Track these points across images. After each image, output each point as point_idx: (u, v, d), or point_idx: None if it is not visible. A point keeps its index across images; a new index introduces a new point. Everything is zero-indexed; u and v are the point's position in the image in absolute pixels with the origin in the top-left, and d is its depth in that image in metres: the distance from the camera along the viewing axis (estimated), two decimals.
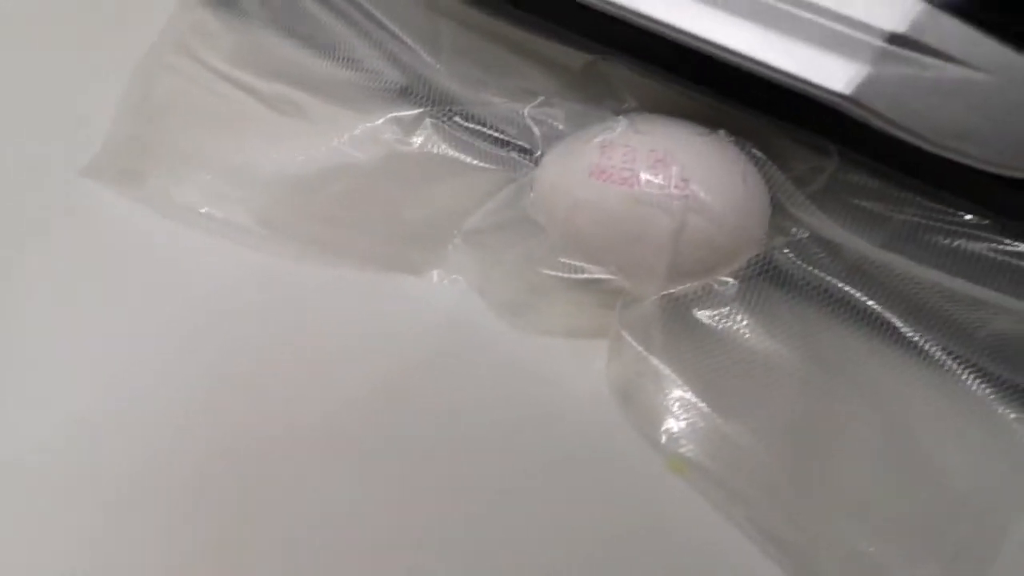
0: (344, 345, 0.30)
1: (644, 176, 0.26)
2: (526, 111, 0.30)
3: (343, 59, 0.32)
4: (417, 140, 0.30)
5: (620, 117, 0.27)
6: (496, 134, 0.30)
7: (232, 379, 0.30)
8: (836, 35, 0.23)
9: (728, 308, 0.26)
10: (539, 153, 0.29)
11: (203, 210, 0.31)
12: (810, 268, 0.27)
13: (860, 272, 0.27)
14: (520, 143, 0.30)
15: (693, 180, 0.25)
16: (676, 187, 0.25)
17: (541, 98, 0.30)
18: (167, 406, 0.29)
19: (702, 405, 0.26)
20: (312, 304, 0.31)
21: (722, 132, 0.27)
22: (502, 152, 0.30)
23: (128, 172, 0.32)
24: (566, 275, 0.28)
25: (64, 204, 0.33)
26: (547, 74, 0.31)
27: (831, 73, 0.23)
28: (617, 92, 0.30)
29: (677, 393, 0.26)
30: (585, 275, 0.28)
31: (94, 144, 0.32)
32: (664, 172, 0.25)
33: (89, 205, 0.32)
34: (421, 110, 0.30)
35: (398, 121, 0.30)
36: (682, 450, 0.26)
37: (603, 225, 0.26)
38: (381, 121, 0.30)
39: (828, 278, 0.27)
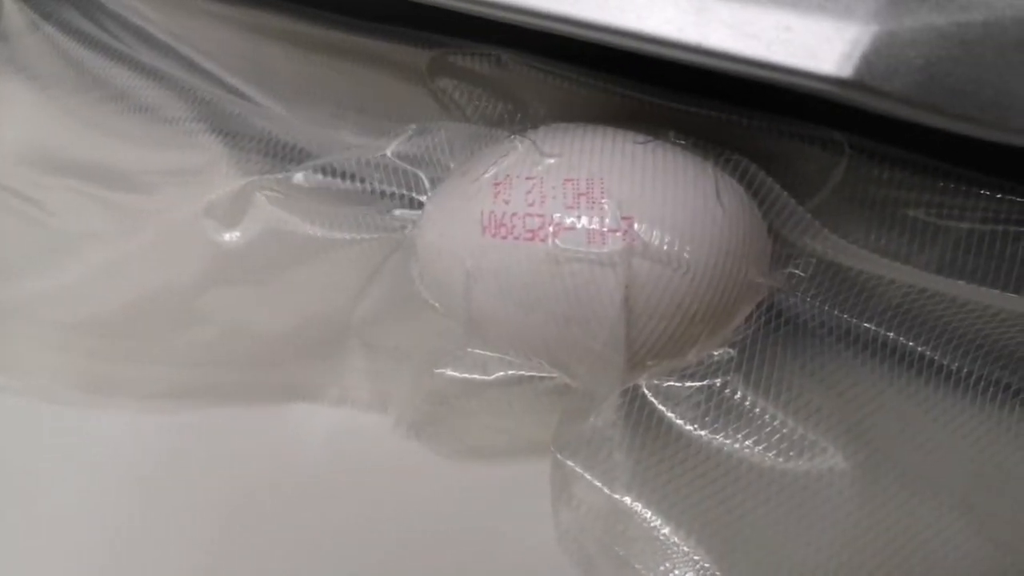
0: (234, 496, 0.21)
1: (561, 220, 0.17)
2: (390, 149, 0.21)
3: (151, 127, 0.23)
4: (250, 225, 0.21)
5: (514, 136, 0.19)
6: (362, 187, 0.21)
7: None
8: None
9: (724, 396, 0.17)
10: (427, 197, 0.21)
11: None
12: (837, 313, 0.18)
13: (905, 309, 0.18)
14: (398, 190, 0.21)
15: (637, 215, 0.16)
16: (612, 229, 0.16)
17: (412, 126, 0.21)
18: None
19: (712, 566, 0.16)
20: (187, 461, 0.22)
21: (671, 135, 0.18)
22: (373, 211, 0.21)
23: None
24: (477, 376, 0.19)
25: None
26: (414, 91, 0.22)
27: (814, 48, 0.14)
28: (516, 98, 0.21)
29: (669, 552, 0.16)
30: (504, 373, 0.19)
31: None
32: (591, 210, 0.17)
33: None
34: (244, 181, 0.21)
35: (212, 206, 0.21)
36: None
37: (518, 304, 0.17)
38: (196, 209, 0.21)
39: (865, 325, 0.18)
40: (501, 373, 0.18)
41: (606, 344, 0.17)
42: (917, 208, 0.17)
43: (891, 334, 0.17)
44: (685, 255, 0.16)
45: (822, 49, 0.14)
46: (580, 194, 0.17)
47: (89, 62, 0.25)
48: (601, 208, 0.17)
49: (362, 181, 0.21)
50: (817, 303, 0.18)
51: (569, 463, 0.17)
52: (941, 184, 0.17)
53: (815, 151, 0.18)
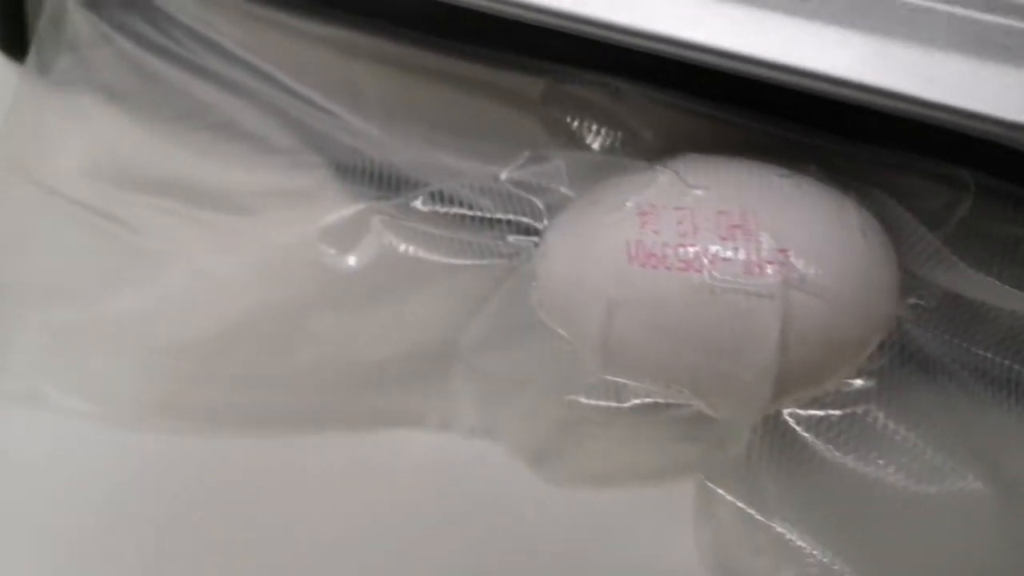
0: (340, 530, 0.21)
1: (717, 251, 0.17)
2: (504, 175, 0.21)
3: (232, 144, 0.23)
4: (366, 250, 0.21)
5: (656, 165, 0.19)
6: (474, 213, 0.21)
7: None
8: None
9: (865, 424, 0.18)
10: (542, 226, 0.21)
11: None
12: (961, 343, 0.19)
13: None
14: (513, 217, 0.21)
15: (793, 248, 0.17)
16: (769, 261, 0.17)
17: (525, 153, 0.21)
18: None
19: None
20: (283, 488, 0.22)
21: (813, 169, 0.18)
22: (487, 238, 0.21)
23: None
24: (612, 404, 0.19)
25: None
26: (522, 116, 0.22)
27: (993, 91, 0.15)
28: (627, 125, 0.21)
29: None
30: (640, 401, 0.19)
31: None
32: (747, 242, 0.17)
33: None
34: (362, 206, 0.21)
35: (330, 230, 0.20)
36: None
37: (665, 333, 0.17)
38: (308, 232, 0.20)
39: (988, 355, 0.18)
40: (636, 401, 0.19)
41: (757, 375, 0.17)
42: None
43: (1016, 366, 0.18)
44: (835, 286, 0.17)
45: (1006, 95, 0.14)
46: (734, 226, 0.17)
47: (166, 76, 0.24)
48: (757, 240, 0.17)
49: (471, 207, 0.21)
50: (940, 333, 0.19)
51: (717, 489, 0.18)
52: None
53: (940, 187, 0.19)
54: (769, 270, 0.17)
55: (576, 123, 0.21)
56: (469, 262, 0.21)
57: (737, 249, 0.17)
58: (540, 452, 0.20)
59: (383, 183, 0.22)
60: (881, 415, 0.18)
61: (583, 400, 0.19)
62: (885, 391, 0.18)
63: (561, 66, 0.21)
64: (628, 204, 0.18)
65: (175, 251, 0.22)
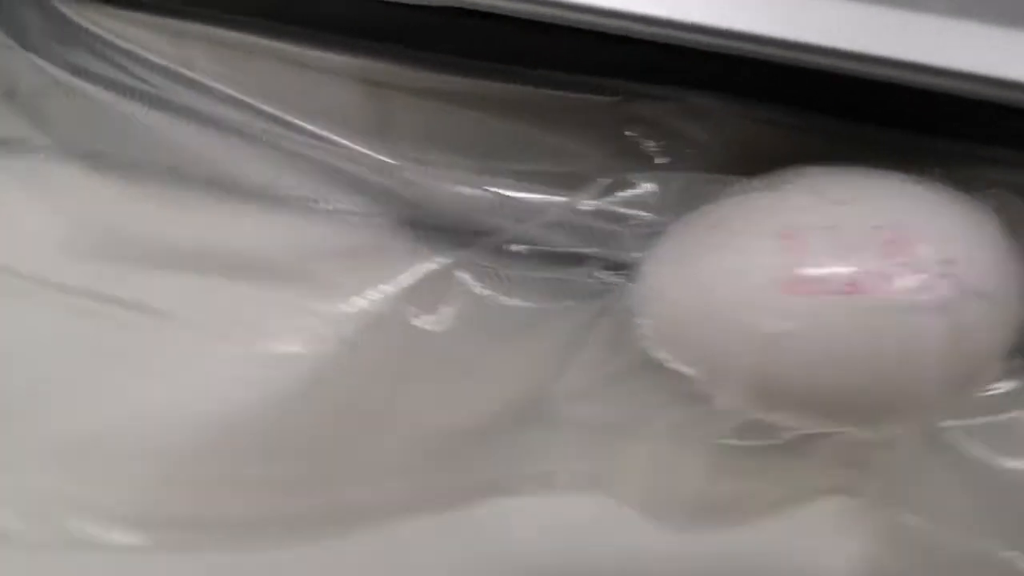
0: None
1: (881, 270, 0.16)
2: (584, 205, 0.19)
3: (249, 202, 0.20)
4: (448, 309, 0.18)
5: (773, 182, 0.18)
6: (558, 250, 0.19)
7: None
8: None
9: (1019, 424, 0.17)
10: (634, 258, 0.19)
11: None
12: None
13: None
14: (591, 251, 0.19)
15: (958, 257, 0.16)
16: (940, 274, 0.16)
17: (605, 180, 0.19)
18: None
19: None
20: None
21: (938, 172, 0.18)
22: (574, 275, 0.19)
23: None
24: (768, 442, 0.18)
25: None
26: (582, 140, 0.20)
27: None
28: (697, 142, 0.20)
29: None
30: (798, 432, 0.18)
31: None
32: (909, 256, 0.16)
33: None
34: (443, 260, 0.18)
35: (411, 291, 0.18)
36: None
37: (830, 362, 0.16)
38: (389, 294, 0.18)
39: None
40: (792, 435, 0.17)
41: (926, 391, 0.16)
42: None
43: None
44: (998, 291, 0.16)
45: None
46: (889, 241, 0.16)
47: (143, 121, 0.20)
48: (915, 254, 0.16)
49: (552, 246, 0.19)
50: None
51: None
52: None
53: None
54: (941, 283, 0.16)
55: (649, 143, 0.20)
56: (560, 305, 0.19)
57: (903, 264, 0.16)
58: (664, 497, 0.19)
59: (448, 232, 0.19)
60: None
61: (735, 442, 0.17)
62: None
63: (628, 83, 0.20)
64: (767, 226, 0.17)
65: (211, 332, 0.18)
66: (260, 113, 0.21)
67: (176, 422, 0.18)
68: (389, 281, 0.18)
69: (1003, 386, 0.18)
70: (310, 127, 0.20)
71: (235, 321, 0.18)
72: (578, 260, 0.19)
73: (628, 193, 0.19)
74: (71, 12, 0.21)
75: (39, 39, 0.21)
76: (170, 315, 0.18)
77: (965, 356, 0.16)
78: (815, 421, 0.17)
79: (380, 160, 0.20)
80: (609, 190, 0.19)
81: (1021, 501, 0.17)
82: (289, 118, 0.21)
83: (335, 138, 0.21)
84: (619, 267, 0.19)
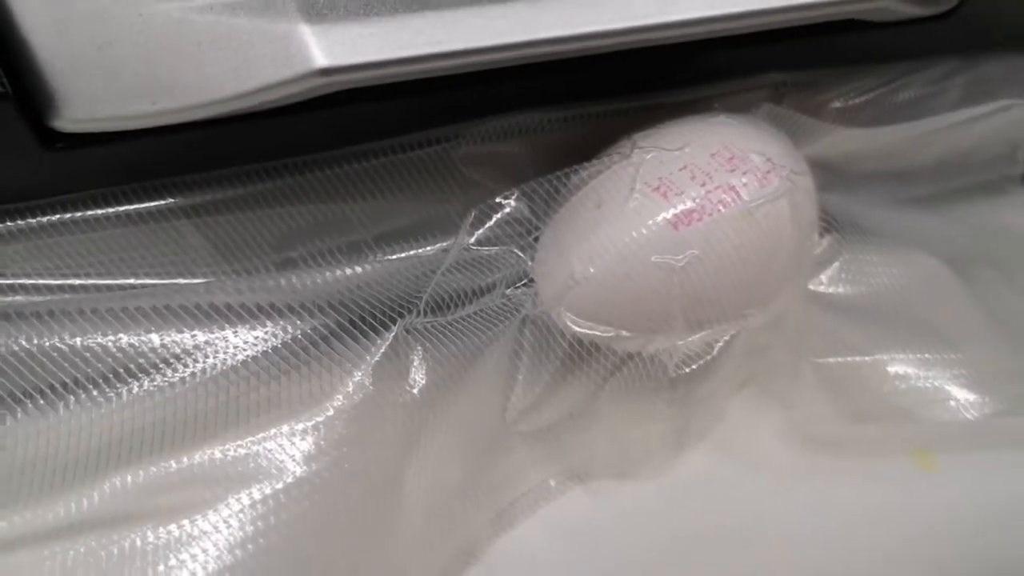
0: None
1: (735, 183, 0.20)
2: (470, 240, 0.21)
3: None
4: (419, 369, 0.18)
5: (612, 154, 0.21)
6: (462, 288, 0.20)
7: None
8: None
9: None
10: (530, 266, 0.21)
11: None
12: None
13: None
14: (491, 278, 0.21)
15: (772, 154, 0.20)
16: (767, 171, 0.20)
17: (470, 214, 0.21)
18: None
19: None
20: None
21: (717, 107, 0.22)
22: (490, 302, 0.20)
23: None
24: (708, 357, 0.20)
25: None
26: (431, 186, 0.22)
27: None
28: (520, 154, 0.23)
29: None
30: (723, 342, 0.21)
31: None
32: (745, 164, 0.20)
33: None
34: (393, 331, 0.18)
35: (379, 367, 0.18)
36: None
37: (729, 271, 0.20)
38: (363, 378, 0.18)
39: None
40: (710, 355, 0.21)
41: (797, 266, 0.20)
42: None
43: None
44: (802, 168, 0.21)
45: None
46: (728, 159, 0.20)
47: None
48: (749, 160, 0.20)
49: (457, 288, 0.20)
50: None
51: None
52: None
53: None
54: (774, 175, 0.20)
55: (484, 168, 0.22)
56: (489, 333, 0.20)
57: (744, 173, 0.20)
58: (633, 459, 0.21)
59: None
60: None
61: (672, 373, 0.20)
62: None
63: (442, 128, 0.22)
64: (637, 186, 0.20)
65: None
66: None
67: None
68: (354, 369, 0.17)
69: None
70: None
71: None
72: (486, 289, 0.21)
73: (503, 214, 0.21)
74: None
75: None
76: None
77: (803, 226, 0.21)
78: (733, 323, 0.21)
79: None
80: (479, 220, 0.21)
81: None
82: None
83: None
84: (520, 279, 0.21)
